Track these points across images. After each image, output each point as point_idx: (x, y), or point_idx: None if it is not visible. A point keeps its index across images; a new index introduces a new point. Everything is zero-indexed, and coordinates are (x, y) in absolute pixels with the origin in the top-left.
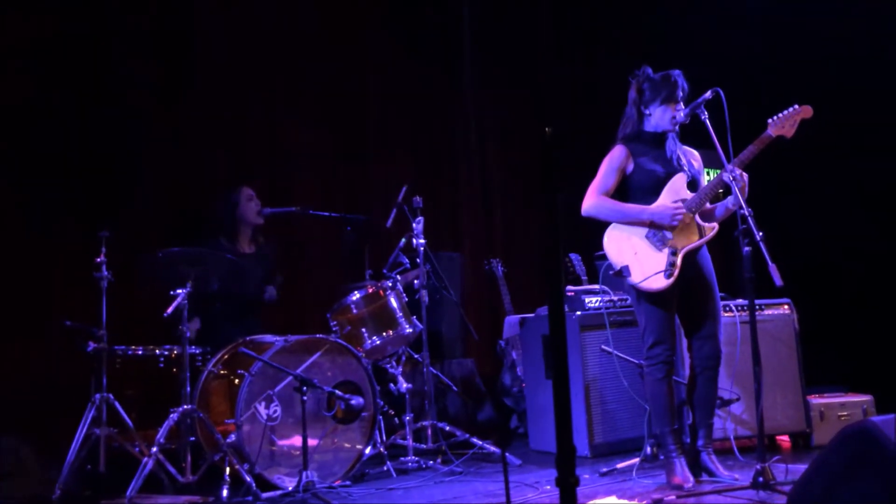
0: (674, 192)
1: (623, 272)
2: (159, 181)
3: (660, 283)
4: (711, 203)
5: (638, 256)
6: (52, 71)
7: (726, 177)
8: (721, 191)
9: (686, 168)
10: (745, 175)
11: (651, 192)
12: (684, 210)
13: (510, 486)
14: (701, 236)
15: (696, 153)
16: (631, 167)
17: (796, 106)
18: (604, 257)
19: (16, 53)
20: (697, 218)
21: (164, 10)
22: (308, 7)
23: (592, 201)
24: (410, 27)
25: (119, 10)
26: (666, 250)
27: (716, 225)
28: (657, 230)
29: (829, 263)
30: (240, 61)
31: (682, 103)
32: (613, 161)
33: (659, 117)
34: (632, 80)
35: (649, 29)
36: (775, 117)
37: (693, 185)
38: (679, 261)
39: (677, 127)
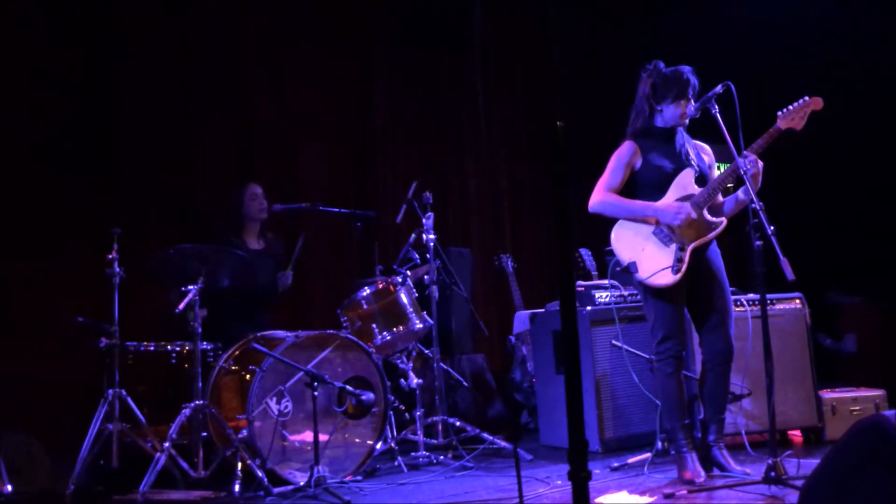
0: (681, 188)
1: (630, 268)
2: (167, 178)
3: (667, 278)
4: (723, 196)
5: (645, 252)
6: (56, 71)
7: (741, 163)
8: (731, 185)
9: (694, 163)
10: (761, 163)
11: (658, 187)
12: (689, 210)
13: (521, 480)
14: (709, 231)
15: (707, 148)
16: (639, 163)
17: (806, 98)
18: (613, 252)
19: (24, 56)
20: (706, 213)
21: (171, 10)
22: (315, 2)
23: (599, 198)
24: (418, 21)
25: (126, 8)
26: (673, 246)
27: (724, 220)
28: (665, 226)
29: (843, 257)
30: (246, 57)
31: (692, 100)
32: (621, 157)
33: (670, 114)
34: (643, 75)
35: (659, 24)
36: (785, 110)
37: (701, 180)
38: (686, 256)
39: (686, 121)
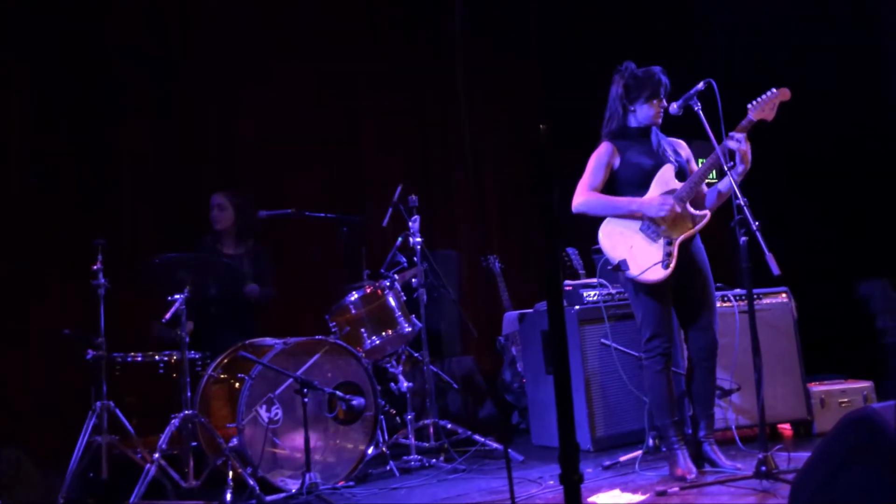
0: (662, 184)
1: (621, 266)
2: (152, 185)
3: (658, 274)
4: (704, 189)
5: (634, 250)
6: (49, 78)
7: (722, 147)
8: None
9: (673, 159)
10: (748, 141)
11: (639, 185)
12: (672, 201)
13: (513, 482)
14: (694, 224)
15: (683, 143)
16: (618, 162)
17: (774, 90)
18: (601, 251)
19: (13, 64)
20: (689, 207)
21: (156, 17)
22: (302, 5)
23: (582, 198)
24: (403, 22)
25: (114, 13)
26: (661, 241)
27: (707, 212)
28: (650, 222)
29: (826, 250)
30: (231, 64)
31: (664, 100)
32: (600, 158)
33: (644, 114)
34: (615, 76)
35: (640, 23)
36: (755, 102)
37: (681, 174)
38: (675, 250)
39: (660, 120)
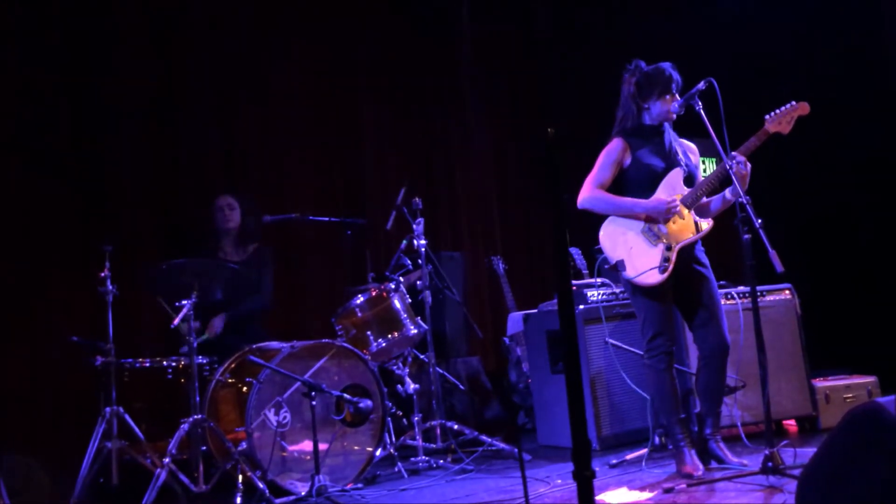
0: (670, 188)
1: (618, 266)
2: (154, 192)
3: (653, 278)
4: (709, 196)
5: (633, 251)
6: (49, 79)
7: (728, 164)
8: (719, 185)
9: (683, 163)
10: (749, 164)
11: (647, 186)
12: (679, 205)
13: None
14: (696, 232)
15: (693, 146)
16: (628, 161)
17: (793, 102)
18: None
19: (13, 65)
20: (693, 213)
21: (157, 25)
22: (302, 6)
23: (588, 194)
24: (404, 22)
25: (115, 14)
26: (660, 245)
27: (711, 221)
28: (652, 225)
29: (828, 244)
30: (232, 68)
31: (677, 95)
32: (611, 154)
33: (658, 110)
34: (625, 75)
35: (641, 24)
36: (773, 113)
37: (689, 180)
38: (673, 256)
39: (674, 116)
